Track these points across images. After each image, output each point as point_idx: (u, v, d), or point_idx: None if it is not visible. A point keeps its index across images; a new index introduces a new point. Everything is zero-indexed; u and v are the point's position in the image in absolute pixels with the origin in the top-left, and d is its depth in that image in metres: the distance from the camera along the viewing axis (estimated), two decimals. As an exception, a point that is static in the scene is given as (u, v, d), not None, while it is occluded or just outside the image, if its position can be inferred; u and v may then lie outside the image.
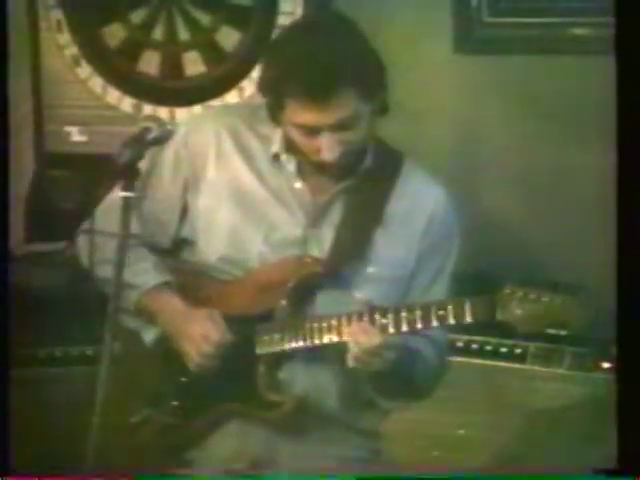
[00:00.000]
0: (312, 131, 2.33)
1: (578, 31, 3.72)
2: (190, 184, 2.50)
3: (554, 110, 3.74)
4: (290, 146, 2.44)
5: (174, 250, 2.56)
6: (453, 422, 3.46)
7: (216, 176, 2.48)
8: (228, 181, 2.48)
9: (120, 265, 2.19)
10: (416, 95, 3.81)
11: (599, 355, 3.33)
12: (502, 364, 3.47)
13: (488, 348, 3.48)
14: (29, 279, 3.82)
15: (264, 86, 2.39)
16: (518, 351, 3.47)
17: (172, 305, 2.48)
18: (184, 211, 2.52)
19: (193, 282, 2.52)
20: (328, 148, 2.34)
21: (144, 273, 2.50)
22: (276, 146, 2.46)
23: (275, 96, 2.35)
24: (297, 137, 2.37)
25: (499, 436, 3.39)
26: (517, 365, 3.46)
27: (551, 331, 3.48)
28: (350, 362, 2.32)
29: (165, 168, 2.52)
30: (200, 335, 2.42)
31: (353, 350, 2.31)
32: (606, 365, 3.32)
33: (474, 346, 3.48)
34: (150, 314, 2.51)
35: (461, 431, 3.46)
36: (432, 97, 3.85)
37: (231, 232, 2.46)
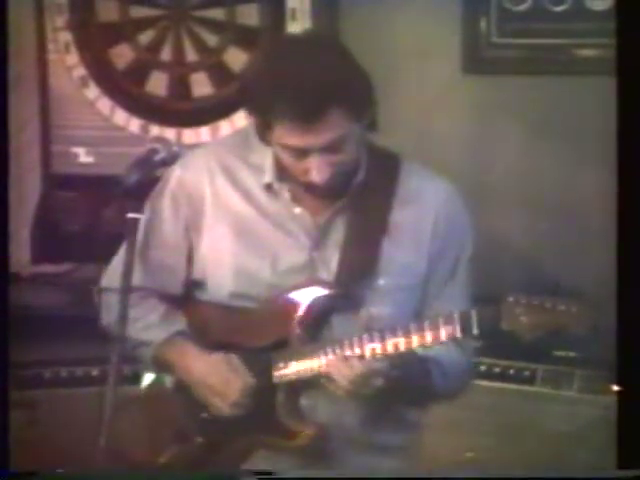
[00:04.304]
0: (301, 153, 2.31)
1: (584, 52, 3.73)
2: (191, 226, 2.48)
3: (560, 130, 3.75)
4: (282, 173, 2.42)
5: (186, 293, 2.54)
6: (461, 444, 3.44)
7: (215, 214, 2.46)
8: (227, 216, 2.46)
9: (127, 289, 2.19)
10: (424, 114, 3.82)
11: (609, 377, 3.31)
12: (510, 386, 3.46)
13: (496, 370, 3.47)
14: (35, 300, 3.82)
15: (251, 107, 2.36)
16: (526, 373, 3.45)
17: (187, 356, 2.48)
18: (190, 253, 2.50)
19: (208, 322, 2.50)
20: (317, 170, 2.31)
21: (152, 328, 2.49)
22: (268, 176, 2.44)
23: (262, 117, 2.32)
24: (286, 158, 2.35)
25: (508, 459, 3.37)
26: (526, 387, 3.44)
27: (560, 353, 3.49)
28: (337, 392, 2.32)
29: (165, 214, 2.50)
30: (222, 384, 2.41)
31: (338, 380, 2.31)
32: (616, 387, 3.30)
33: (482, 368, 3.46)
34: (167, 367, 2.51)
35: (469, 454, 3.44)
36: (440, 116, 3.85)
37: (238, 267, 2.44)
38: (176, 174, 2.49)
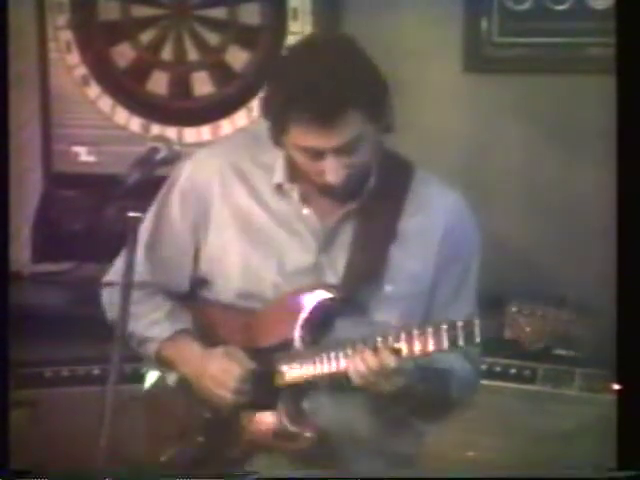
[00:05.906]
0: (316, 154, 2.31)
1: (585, 51, 3.73)
2: (199, 223, 2.49)
3: (561, 128, 3.75)
4: (293, 173, 2.42)
5: (192, 291, 2.54)
6: (462, 443, 3.44)
7: (223, 212, 2.46)
8: (235, 216, 2.46)
9: (127, 288, 2.19)
10: (425, 112, 3.82)
11: (609, 376, 3.31)
12: (511, 385, 3.46)
13: (497, 369, 3.47)
14: (36, 299, 3.82)
15: (267, 109, 2.35)
16: (527, 372, 3.45)
17: (190, 351, 2.48)
18: (197, 251, 2.50)
19: (213, 321, 2.51)
20: (332, 171, 2.31)
21: (157, 325, 2.50)
22: (279, 176, 2.44)
23: (279, 120, 2.31)
24: (301, 160, 2.35)
25: (508, 458, 3.37)
26: (526, 386, 3.44)
27: (560, 352, 3.48)
28: (356, 381, 2.30)
29: (173, 211, 2.51)
30: (222, 372, 2.41)
31: (360, 370, 2.29)
32: (616, 386, 3.30)
33: (482, 367, 3.46)
34: (170, 363, 2.52)
35: (470, 453, 3.44)
36: (441, 115, 3.86)
37: (244, 266, 2.45)
38: (186, 172, 2.50)
